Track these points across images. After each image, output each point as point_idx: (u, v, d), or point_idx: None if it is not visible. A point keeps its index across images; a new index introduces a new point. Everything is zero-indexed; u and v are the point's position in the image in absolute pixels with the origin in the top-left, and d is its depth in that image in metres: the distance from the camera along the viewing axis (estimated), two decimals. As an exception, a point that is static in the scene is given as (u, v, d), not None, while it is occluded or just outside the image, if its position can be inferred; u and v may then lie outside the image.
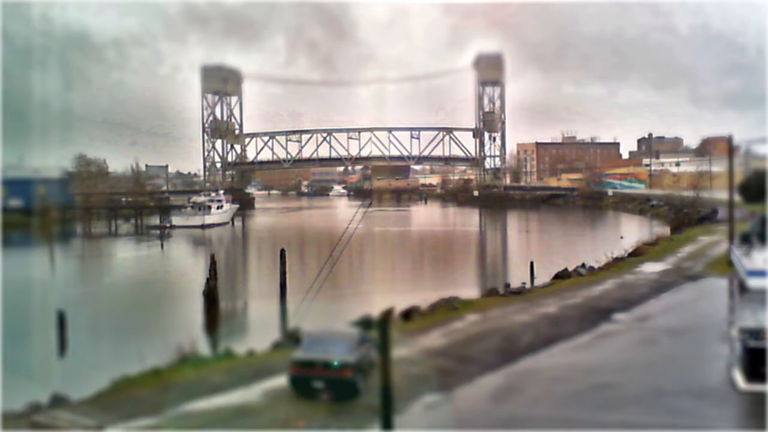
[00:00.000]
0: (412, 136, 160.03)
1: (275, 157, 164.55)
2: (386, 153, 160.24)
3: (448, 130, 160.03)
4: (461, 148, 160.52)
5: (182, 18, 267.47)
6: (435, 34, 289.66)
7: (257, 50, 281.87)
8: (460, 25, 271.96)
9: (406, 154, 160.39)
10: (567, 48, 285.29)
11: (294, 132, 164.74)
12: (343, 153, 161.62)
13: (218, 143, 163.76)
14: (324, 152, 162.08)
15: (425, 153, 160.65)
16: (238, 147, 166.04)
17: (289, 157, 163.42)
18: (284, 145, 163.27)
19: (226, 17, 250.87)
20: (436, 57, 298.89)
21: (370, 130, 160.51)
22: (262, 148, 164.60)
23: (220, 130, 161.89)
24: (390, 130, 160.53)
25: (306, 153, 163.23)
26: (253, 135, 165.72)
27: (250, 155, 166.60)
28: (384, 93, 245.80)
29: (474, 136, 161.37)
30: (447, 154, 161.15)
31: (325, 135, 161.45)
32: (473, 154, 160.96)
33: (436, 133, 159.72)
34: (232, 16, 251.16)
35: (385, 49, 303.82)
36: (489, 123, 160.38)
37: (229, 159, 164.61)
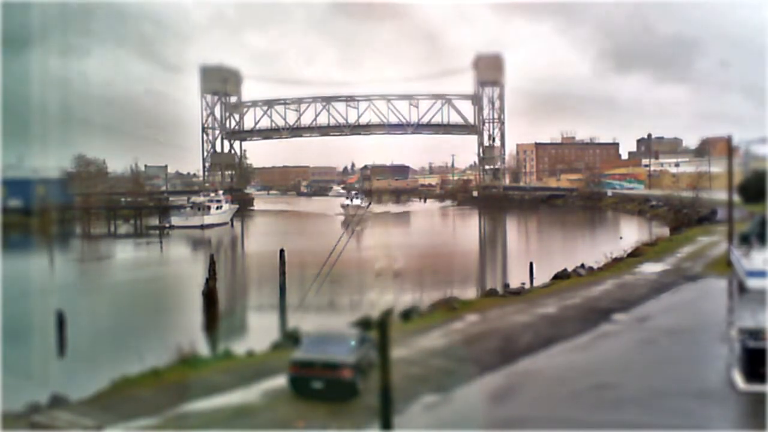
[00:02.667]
0: (410, 104, 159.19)
1: (273, 125, 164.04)
2: (385, 121, 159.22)
3: (447, 99, 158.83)
4: (461, 116, 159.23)
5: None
6: (435, 35, 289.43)
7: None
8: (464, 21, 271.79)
9: (404, 122, 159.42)
10: (569, 47, 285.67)
11: (292, 101, 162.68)
12: (342, 121, 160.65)
13: (216, 109, 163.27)
14: (322, 121, 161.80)
15: (424, 121, 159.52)
16: (236, 115, 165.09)
17: (287, 125, 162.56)
18: (283, 115, 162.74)
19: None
20: (432, 61, 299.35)
21: (369, 99, 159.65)
22: (261, 117, 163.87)
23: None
24: (389, 99, 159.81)
25: (305, 122, 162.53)
26: (252, 104, 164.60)
27: (248, 125, 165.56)
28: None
29: (473, 104, 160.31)
30: (446, 121, 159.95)
31: (324, 103, 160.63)
32: (472, 121, 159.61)
33: (435, 101, 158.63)
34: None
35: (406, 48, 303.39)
36: (489, 159, 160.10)
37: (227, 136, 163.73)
